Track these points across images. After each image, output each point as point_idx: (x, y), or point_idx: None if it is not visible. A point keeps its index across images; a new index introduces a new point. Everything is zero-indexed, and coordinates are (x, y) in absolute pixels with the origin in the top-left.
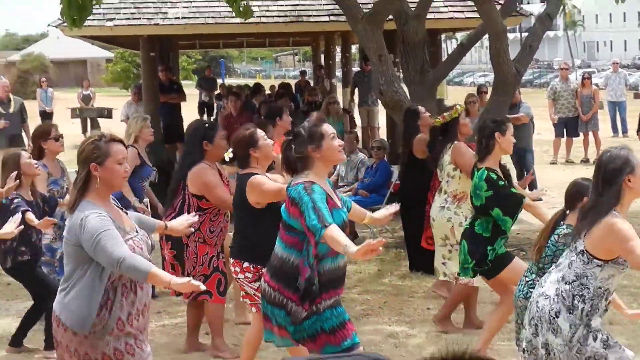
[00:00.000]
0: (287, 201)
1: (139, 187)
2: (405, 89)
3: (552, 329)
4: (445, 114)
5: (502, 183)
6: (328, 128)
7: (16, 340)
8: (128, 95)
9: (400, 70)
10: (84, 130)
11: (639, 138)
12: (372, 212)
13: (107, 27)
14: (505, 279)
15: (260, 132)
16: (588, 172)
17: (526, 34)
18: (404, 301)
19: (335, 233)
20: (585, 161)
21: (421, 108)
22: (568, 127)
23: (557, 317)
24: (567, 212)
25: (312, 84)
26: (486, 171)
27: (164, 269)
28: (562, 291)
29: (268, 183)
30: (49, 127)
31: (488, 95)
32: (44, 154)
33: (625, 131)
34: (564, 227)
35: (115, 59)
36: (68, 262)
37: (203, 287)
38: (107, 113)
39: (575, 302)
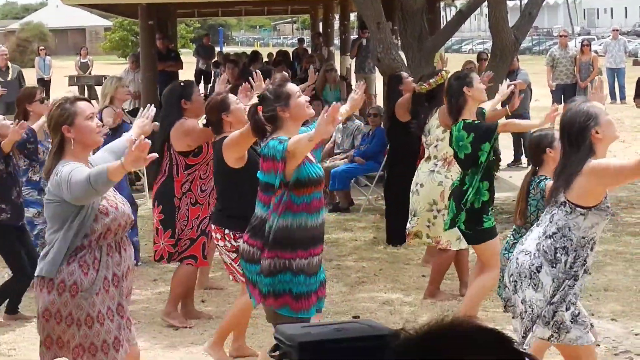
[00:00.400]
0: (261, 160)
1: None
2: (403, 56)
3: (532, 284)
4: (430, 80)
5: (477, 121)
6: (293, 87)
7: (11, 308)
8: (126, 63)
9: (399, 38)
10: None
11: (636, 104)
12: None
13: None
14: (480, 254)
15: (232, 97)
16: None
17: (525, 1)
18: (400, 268)
19: (295, 137)
20: None
21: (404, 73)
22: (566, 93)
23: (539, 271)
24: (537, 168)
25: (310, 51)
26: (462, 121)
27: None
28: (543, 246)
29: (237, 131)
30: (34, 89)
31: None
32: (29, 116)
33: (623, 97)
34: (537, 179)
35: (113, 28)
36: (51, 225)
37: (146, 141)
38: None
39: (558, 255)
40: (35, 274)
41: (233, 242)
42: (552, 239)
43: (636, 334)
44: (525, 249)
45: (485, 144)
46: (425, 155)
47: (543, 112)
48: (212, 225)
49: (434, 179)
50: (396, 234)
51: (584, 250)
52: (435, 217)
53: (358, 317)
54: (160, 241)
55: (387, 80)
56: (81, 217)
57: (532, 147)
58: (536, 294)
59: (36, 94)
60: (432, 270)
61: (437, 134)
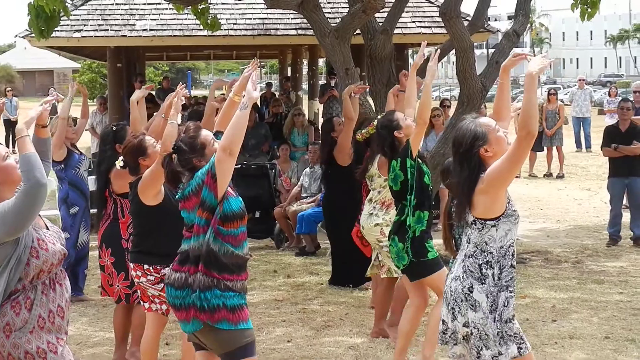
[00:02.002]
0: (183, 201)
1: (72, 175)
2: (372, 102)
3: (470, 306)
4: (362, 131)
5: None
6: (206, 135)
7: None
8: (94, 105)
9: (367, 84)
10: None
11: (603, 153)
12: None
13: (75, 39)
14: (430, 285)
15: (149, 140)
16: (551, 185)
17: (493, 50)
18: (366, 312)
19: (224, 135)
20: (548, 175)
21: (336, 120)
22: None
23: (471, 291)
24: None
25: (277, 95)
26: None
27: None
28: (468, 266)
29: (148, 170)
30: None
31: (451, 109)
32: None
33: (588, 146)
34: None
35: (82, 70)
36: None
37: (45, 107)
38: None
39: (484, 270)
40: None
41: (155, 274)
42: (473, 258)
43: None
44: (454, 275)
45: (406, 161)
46: (368, 197)
47: None
48: (131, 265)
49: (371, 221)
50: (340, 274)
51: (507, 259)
52: (389, 252)
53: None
54: (116, 284)
55: (321, 124)
56: (16, 258)
57: (446, 176)
58: (476, 314)
59: None
60: (393, 301)
61: (379, 182)
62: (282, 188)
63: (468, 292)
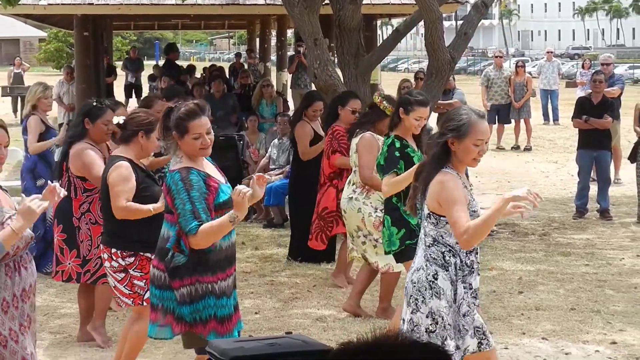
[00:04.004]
0: (164, 188)
1: (49, 153)
2: (340, 73)
3: (435, 294)
4: (388, 105)
5: (401, 142)
6: (196, 125)
7: None
8: (61, 74)
9: (335, 55)
10: (15, 109)
11: (573, 124)
12: None
13: (41, 6)
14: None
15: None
16: (519, 158)
17: (462, 21)
18: (333, 285)
19: (207, 227)
20: (516, 148)
21: (318, 104)
22: (500, 113)
23: (436, 279)
24: None
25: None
26: (393, 136)
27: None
28: (431, 254)
29: (123, 190)
30: None
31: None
32: None
33: (556, 119)
34: None
35: (48, 39)
36: None
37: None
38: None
39: (447, 257)
40: None
41: (120, 260)
42: (435, 246)
43: (567, 353)
44: (416, 268)
45: (395, 142)
46: (348, 178)
47: None
48: (101, 246)
49: (353, 206)
50: (299, 249)
51: (463, 253)
52: (364, 244)
53: (291, 332)
54: (66, 261)
55: (304, 94)
56: None
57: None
58: (441, 302)
59: None
60: (381, 289)
61: (355, 159)
62: (250, 159)
63: (433, 280)
